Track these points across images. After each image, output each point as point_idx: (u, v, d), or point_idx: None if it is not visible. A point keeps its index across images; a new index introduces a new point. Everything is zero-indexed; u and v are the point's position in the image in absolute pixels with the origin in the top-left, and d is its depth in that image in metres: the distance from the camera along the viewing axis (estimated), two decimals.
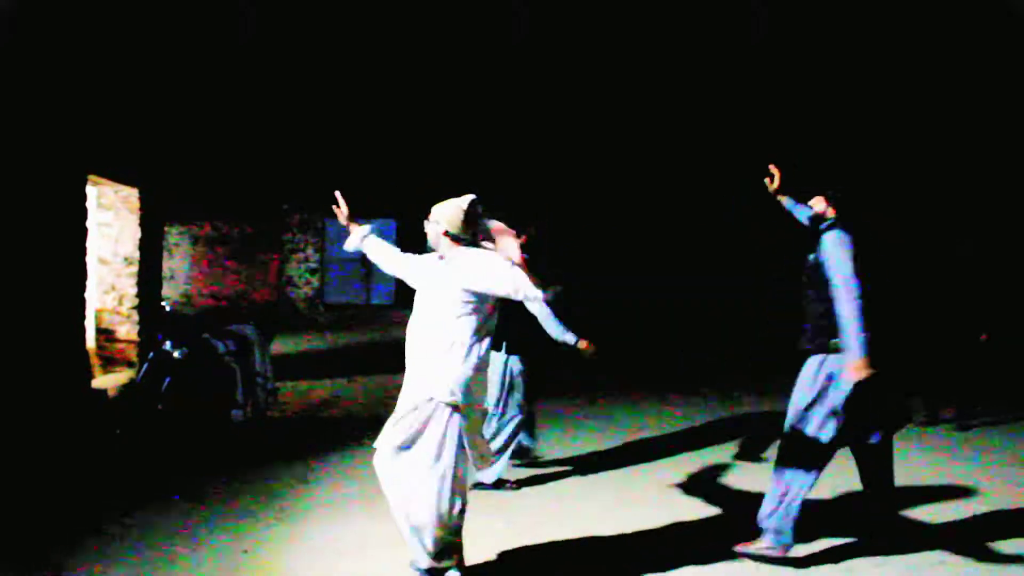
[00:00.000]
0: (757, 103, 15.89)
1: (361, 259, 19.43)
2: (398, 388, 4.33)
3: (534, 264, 3.98)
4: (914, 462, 6.99)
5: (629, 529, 5.33)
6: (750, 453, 7.34)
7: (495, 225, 4.38)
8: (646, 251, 17.75)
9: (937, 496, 6.11)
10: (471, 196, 4.36)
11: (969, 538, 5.19)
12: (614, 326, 16.20)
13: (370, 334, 17.07)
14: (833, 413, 4.69)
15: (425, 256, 4.53)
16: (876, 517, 5.14)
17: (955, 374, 8.32)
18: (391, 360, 8.61)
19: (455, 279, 4.19)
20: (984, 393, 8.76)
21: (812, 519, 5.50)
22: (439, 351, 4.17)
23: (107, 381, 8.32)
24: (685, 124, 16.53)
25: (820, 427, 4.71)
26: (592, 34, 15.06)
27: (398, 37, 15.09)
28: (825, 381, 4.70)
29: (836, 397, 4.66)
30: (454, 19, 14.70)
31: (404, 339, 4.37)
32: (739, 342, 15.28)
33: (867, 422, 4.86)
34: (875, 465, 5.01)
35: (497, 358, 6.03)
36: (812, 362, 4.80)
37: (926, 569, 4.68)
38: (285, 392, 9.72)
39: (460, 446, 4.19)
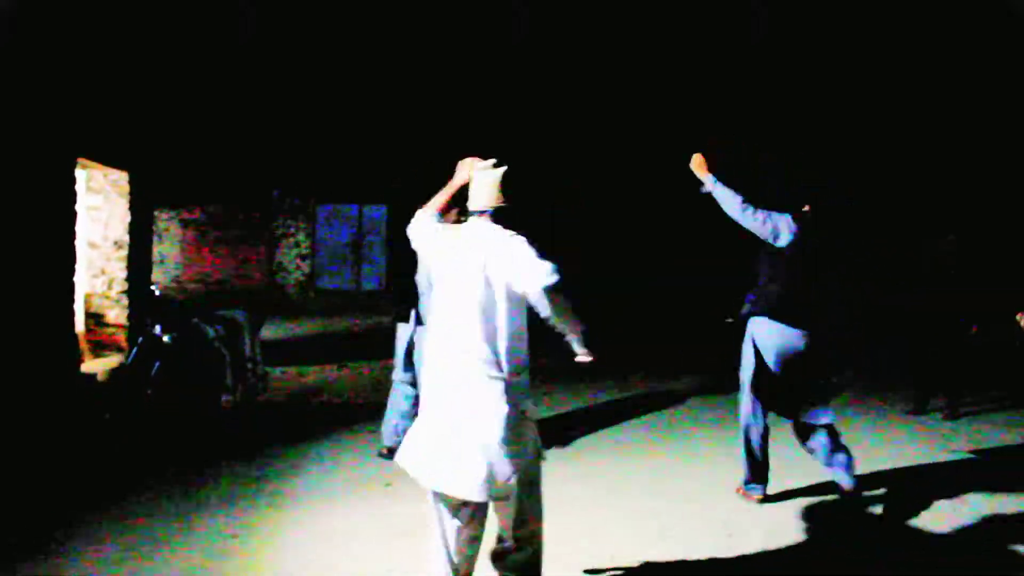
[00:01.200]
0: (757, 103, 15.87)
1: (351, 244, 19.46)
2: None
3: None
4: (903, 450, 7.04)
5: (619, 516, 5.34)
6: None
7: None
8: (644, 249, 17.73)
9: (927, 484, 6.14)
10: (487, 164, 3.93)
11: (958, 526, 5.22)
12: (610, 321, 16.20)
13: (361, 320, 17.04)
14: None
15: None
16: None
17: (945, 363, 8.36)
18: (381, 346, 8.68)
19: None
20: (973, 382, 8.81)
21: (799, 510, 5.54)
22: None
23: (96, 365, 8.29)
24: (684, 124, 16.48)
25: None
26: (592, 34, 15.03)
27: (398, 35, 15.03)
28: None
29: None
30: (454, 19, 14.64)
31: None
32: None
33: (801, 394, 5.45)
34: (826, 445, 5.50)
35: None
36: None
37: (922, 555, 4.71)
38: (275, 378, 9.71)
39: None
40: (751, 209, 5.50)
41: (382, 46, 15.39)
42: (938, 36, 13.59)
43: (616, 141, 17.03)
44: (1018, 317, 7.83)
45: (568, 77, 15.82)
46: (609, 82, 15.99)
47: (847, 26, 14.21)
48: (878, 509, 5.55)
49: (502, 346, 3.58)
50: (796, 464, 6.50)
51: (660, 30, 14.87)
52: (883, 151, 15.38)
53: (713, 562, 4.60)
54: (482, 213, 3.78)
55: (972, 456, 6.95)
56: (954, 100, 14.44)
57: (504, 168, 3.82)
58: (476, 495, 3.54)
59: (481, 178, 3.83)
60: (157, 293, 9.64)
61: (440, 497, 3.72)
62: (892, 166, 15.33)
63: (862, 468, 6.50)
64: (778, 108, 15.72)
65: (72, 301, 7.73)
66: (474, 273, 3.61)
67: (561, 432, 7.61)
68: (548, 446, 7.06)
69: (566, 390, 9.57)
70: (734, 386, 5.94)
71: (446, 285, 3.75)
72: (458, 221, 4.14)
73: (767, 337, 5.49)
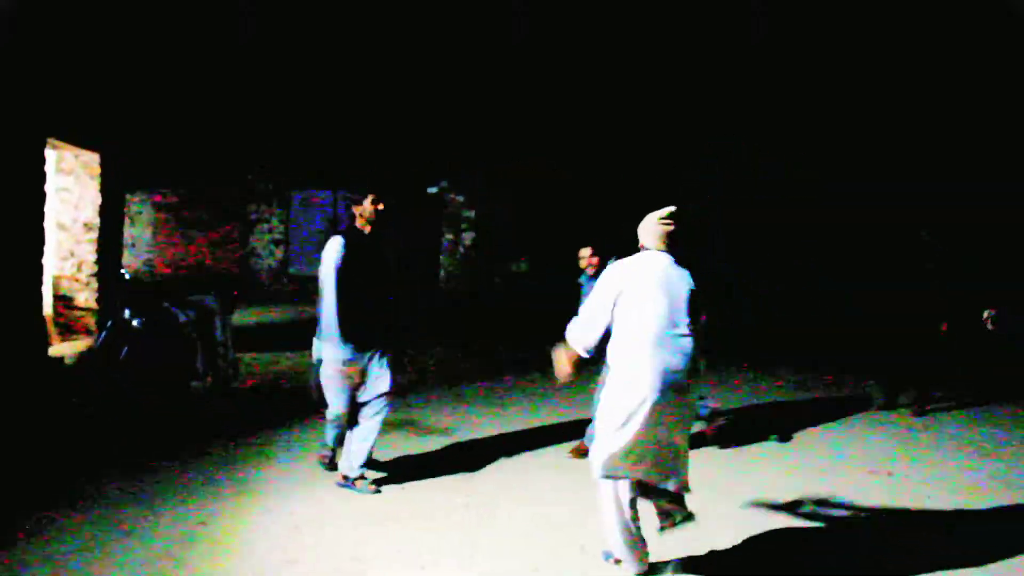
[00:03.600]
0: (757, 103, 15.87)
1: (326, 231, 19.32)
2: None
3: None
4: (872, 445, 7.10)
5: (587, 504, 5.36)
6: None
7: None
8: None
9: (893, 479, 6.20)
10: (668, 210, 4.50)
11: (924, 519, 5.29)
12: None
13: None
14: None
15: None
16: None
17: (914, 360, 8.42)
18: None
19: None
20: (942, 379, 8.88)
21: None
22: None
23: (64, 349, 8.21)
24: (685, 124, 16.45)
25: None
26: (592, 34, 14.97)
27: (398, 34, 14.92)
28: None
29: None
30: (454, 19, 14.55)
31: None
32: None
33: None
34: None
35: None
36: None
37: (888, 548, 4.75)
38: (246, 364, 9.65)
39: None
40: None
41: (380, 43, 15.27)
42: (938, 36, 13.62)
43: (616, 141, 16.98)
44: (984, 316, 7.92)
45: (568, 77, 15.74)
46: (609, 82, 15.93)
47: (847, 26, 14.24)
48: (845, 503, 5.60)
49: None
50: (768, 463, 6.56)
51: (660, 30, 14.85)
52: (883, 151, 15.41)
53: (691, 558, 4.63)
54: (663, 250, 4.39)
55: (938, 451, 7.02)
56: (954, 100, 14.47)
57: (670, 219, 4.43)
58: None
59: (653, 223, 4.44)
60: (127, 276, 9.56)
61: (636, 486, 4.24)
62: (892, 166, 15.36)
63: (830, 461, 6.58)
64: (778, 108, 15.72)
65: (40, 283, 7.63)
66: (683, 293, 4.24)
67: (544, 423, 7.63)
68: (534, 438, 7.10)
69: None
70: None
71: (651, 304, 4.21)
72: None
73: None
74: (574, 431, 7.35)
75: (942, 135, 14.71)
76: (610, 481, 4.22)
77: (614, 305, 4.25)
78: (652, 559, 4.34)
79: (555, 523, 5.07)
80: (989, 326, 8.05)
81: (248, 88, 16.50)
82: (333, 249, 5.35)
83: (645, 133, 16.53)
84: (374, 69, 16.03)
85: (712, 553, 4.65)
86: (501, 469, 6.17)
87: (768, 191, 15.83)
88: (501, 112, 16.50)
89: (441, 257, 18.57)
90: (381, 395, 5.52)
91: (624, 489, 4.22)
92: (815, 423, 7.88)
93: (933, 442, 7.31)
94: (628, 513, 4.21)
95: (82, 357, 7.98)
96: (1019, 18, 12.26)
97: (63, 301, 8.79)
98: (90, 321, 8.83)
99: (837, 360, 11.14)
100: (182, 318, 7.78)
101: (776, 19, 14.34)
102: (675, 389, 4.12)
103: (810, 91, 15.38)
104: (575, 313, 4.47)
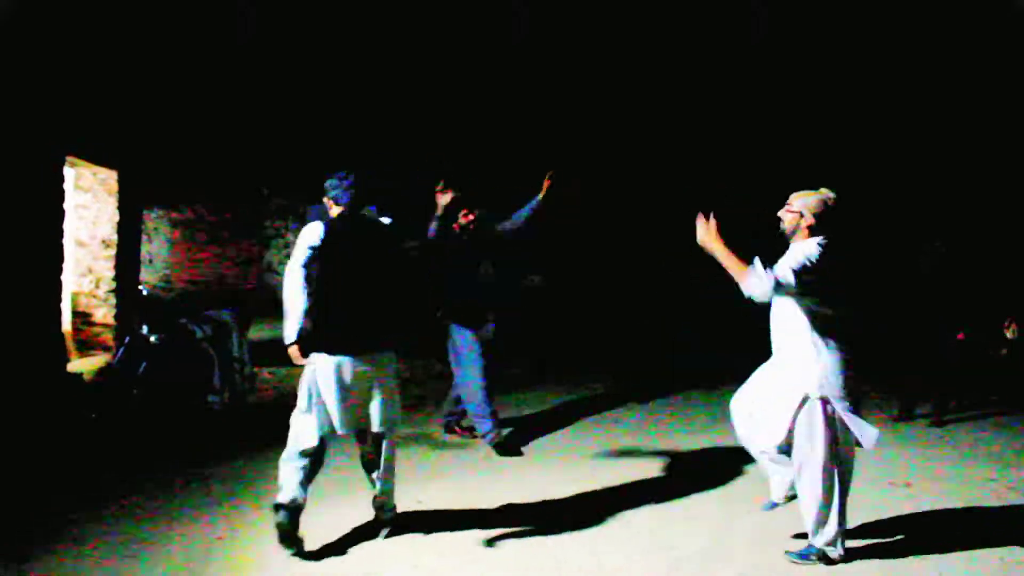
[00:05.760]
0: (757, 103, 15.83)
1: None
2: None
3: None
4: (889, 457, 7.04)
5: (607, 513, 5.34)
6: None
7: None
8: (643, 249, 17.64)
9: (911, 490, 6.14)
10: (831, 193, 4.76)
11: (944, 531, 5.24)
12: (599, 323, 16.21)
13: None
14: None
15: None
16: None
17: (931, 370, 8.37)
18: None
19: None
20: (959, 389, 8.80)
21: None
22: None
23: (83, 365, 8.26)
24: (684, 124, 16.43)
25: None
26: (592, 34, 14.97)
27: (397, 35, 14.94)
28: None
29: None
30: (454, 19, 14.57)
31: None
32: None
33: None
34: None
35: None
36: None
37: (908, 562, 4.71)
38: (263, 378, 9.68)
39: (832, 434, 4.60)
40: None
41: (380, 45, 15.30)
42: (939, 36, 13.54)
43: (616, 141, 16.97)
44: (1005, 324, 7.85)
45: (568, 77, 15.74)
46: (609, 82, 15.93)
47: (847, 26, 14.17)
48: (864, 516, 5.55)
49: None
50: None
51: (660, 30, 14.82)
52: (883, 151, 15.34)
53: (698, 570, 4.61)
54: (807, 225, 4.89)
55: (958, 463, 6.95)
56: (954, 100, 14.39)
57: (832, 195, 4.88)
58: None
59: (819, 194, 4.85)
60: (145, 292, 9.62)
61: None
62: (892, 167, 15.29)
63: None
64: (778, 108, 15.67)
65: (59, 300, 7.70)
66: None
67: (557, 432, 7.62)
68: (549, 448, 7.08)
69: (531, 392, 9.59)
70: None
71: None
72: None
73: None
74: (584, 437, 7.35)
75: (942, 135, 14.64)
76: None
77: None
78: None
79: (576, 538, 5.05)
80: (1010, 335, 7.99)
81: (259, 104, 16.58)
82: None
83: (644, 133, 16.54)
84: (376, 75, 16.06)
85: (730, 561, 4.63)
86: (519, 482, 6.15)
87: (768, 191, 15.76)
88: (502, 112, 16.51)
89: None
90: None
91: None
92: None
93: (952, 453, 7.24)
94: None
95: (100, 373, 8.03)
96: (1019, 17, 12.14)
97: (81, 317, 8.85)
98: (108, 337, 8.88)
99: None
100: (199, 333, 7.83)
101: (776, 19, 14.27)
102: None
103: (810, 91, 15.34)
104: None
